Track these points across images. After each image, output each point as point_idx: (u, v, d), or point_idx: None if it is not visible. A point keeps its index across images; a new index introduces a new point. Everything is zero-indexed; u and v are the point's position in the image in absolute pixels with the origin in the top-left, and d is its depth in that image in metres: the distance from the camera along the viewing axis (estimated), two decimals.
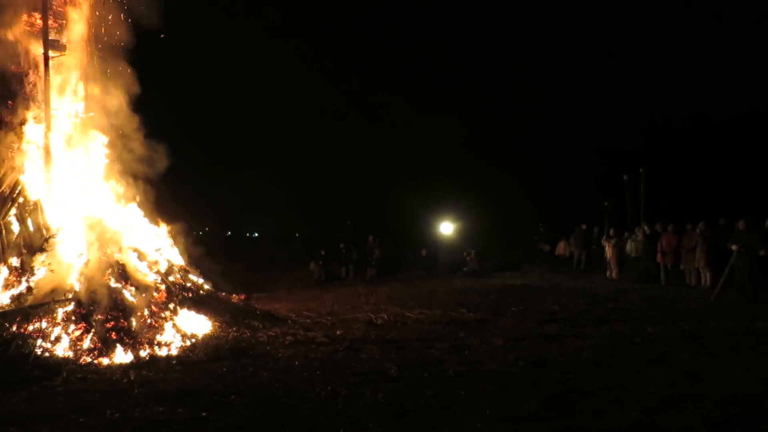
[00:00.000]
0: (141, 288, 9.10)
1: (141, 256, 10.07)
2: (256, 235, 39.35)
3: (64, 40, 10.34)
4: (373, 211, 34.20)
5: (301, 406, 5.39)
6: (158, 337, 8.21)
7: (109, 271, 9.00)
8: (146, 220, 11.46)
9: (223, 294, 12.11)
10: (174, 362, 7.34)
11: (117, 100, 10.65)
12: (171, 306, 9.18)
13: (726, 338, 7.73)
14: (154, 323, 8.53)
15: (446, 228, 21.49)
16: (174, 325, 8.66)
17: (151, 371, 6.89)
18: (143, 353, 7.70)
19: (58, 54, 10.22)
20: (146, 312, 8.67)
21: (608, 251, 16.83)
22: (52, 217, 9.69)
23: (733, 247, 11.47)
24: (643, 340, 7.75)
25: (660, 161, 28.87)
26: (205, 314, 9.63)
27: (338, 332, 9.20)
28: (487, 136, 38.99)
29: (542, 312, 10.48)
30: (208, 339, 8.60)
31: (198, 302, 9.99)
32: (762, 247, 11.31)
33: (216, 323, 9.49)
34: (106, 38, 10.54)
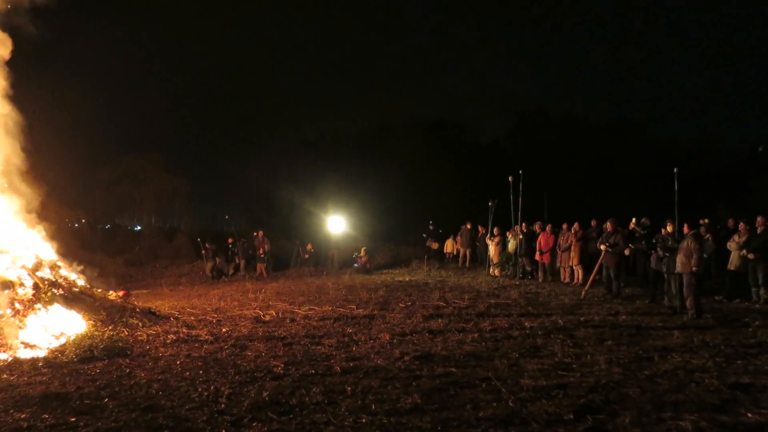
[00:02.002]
0: (2, 285, 8.35)
1: (2, 251, 9.25)
2: (139, 228, 37.35)
3: None
4: (264, 206, 33.62)
5: (181, 407, 5.19)
6: (22, 338, 7.58)
7: None
8: (12, 212, 10.54)
9: (100, 290, 11.43)
10: (40, 364, 6.81)
11: None
12: (38, 304, 8.50)
13: (593, 331, 8.32)
14: (17, 322, 7.86)
15: (337, 224, 21.54)
16: (41, 325, 8.02)
17: (14, 374, 6.35)
18: (4, 355, 7.08)
19: None
20: (8, 310, 7.96)
21: (491, 249, 17.59)
22: None
23: (602, 247, 12.39)
24: (520, 334, 8.17)
25: (539, 163, 30.59)
26: (78, 312, 9.03)
27: (224, 330, 8.96)
28: (378, 136, 39.47)
29: (428, 307, 10.77)
30: (80, 339, 8.04)
31: (70, 299, 9.35)
32: (626, 247, 12.32)
33: (90, 322, 8.93)
34: None
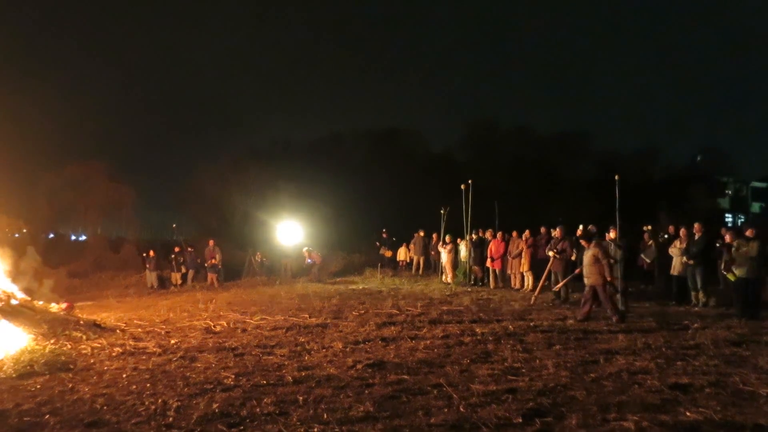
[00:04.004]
0: None
1: None
2: (84, 237, 36.10)
3: None
4: (215, 215, 33.08)
5: (126, 421, 5.04)
6: None
7: None
8: None
9: (41, 303, 11.01)
10: None
11: None
12: None
13: (542, 336, 8.51)
14: None
15: (290, 233, 21.37)
16: None
17: None
18: None
19: None
20: None
21: (444, 257, 17.78)
22: None
23: (550, 253, 12.69)
24: (471, 340, 8.27)
25: (489, 172, 31.14)
26: (18, 325, 8.68)
27: (172, 341, 8.75)
28: (330, 144, 39.47)
29: (381, 315, 10.79)
30: (19, 353, 7.73)
31: (9, 313, 8.98)
32: (573, 253, 12.65)
33: (31, 335, 8.59)
34: None
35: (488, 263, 15.96)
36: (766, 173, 48.30)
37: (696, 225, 11.79)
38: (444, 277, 17.72)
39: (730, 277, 10.57)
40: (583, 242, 10.46)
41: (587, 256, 10.02)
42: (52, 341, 8.45)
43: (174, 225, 22.58)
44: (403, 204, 31.24)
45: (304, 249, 20.18)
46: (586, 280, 10.08)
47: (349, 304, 12.63)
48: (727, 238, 10.96)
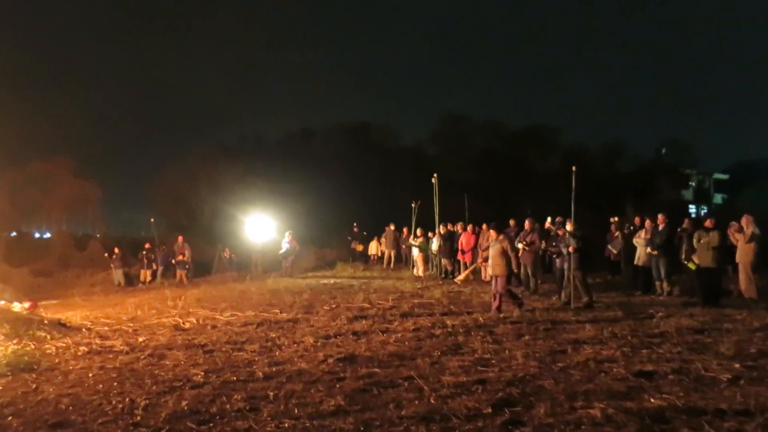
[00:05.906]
0: None
1: None
2: (48, 235, 35.27)
3: None
4: (184, 211, 32.65)
5: (93, 421, 4.95)
6: None
7: None
8: None
9: (3, 302, 10.74)
10: None
11: None
12: None
13: (511, 327, 8.60)
14: None
15: (260, 229, 21.17)
16: None
17: None
18: None
19: None
20: None
21: (415, 250, 17.84)
22: None
23: (520, 245, 12.83)
24: (442, 332, 8.32)
25: (460, 166, 31.39)
26: None
27: (140, 339, 8.62)
28: (301, 139, 39.27)
29: (353, 309, 10.78)
30: None
31: None
32: (542, 244, 12.82)
33: None
34: None
35: (459, 256, 16.07)
36: (728, 165, 49.62)
37: (660, 216, 12.02)
38: (415, 270, 17.78)
39: (690, 265, 10.81)
40: (493, 233, 10.60)
41: (494, 248, 10.17)
42: (14, 341, 8.25)
43: (152, 219, 22.14)
44: (374, 198, 31.26)
45: (287, 233, 19.72)
46: (491, 270, 10.35)
47: (321, 298, 12.60)
48: (686, 223, 11.20)
